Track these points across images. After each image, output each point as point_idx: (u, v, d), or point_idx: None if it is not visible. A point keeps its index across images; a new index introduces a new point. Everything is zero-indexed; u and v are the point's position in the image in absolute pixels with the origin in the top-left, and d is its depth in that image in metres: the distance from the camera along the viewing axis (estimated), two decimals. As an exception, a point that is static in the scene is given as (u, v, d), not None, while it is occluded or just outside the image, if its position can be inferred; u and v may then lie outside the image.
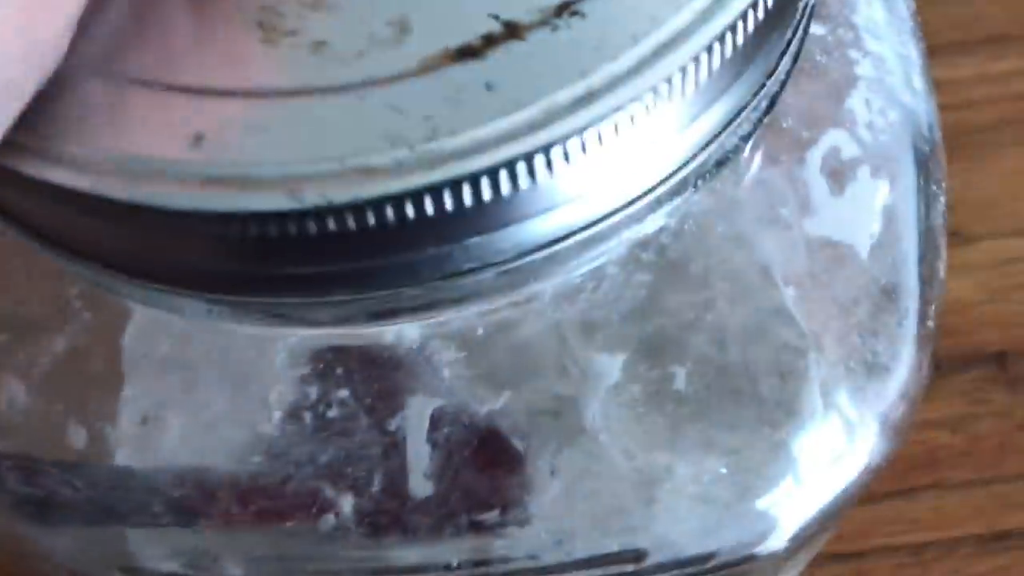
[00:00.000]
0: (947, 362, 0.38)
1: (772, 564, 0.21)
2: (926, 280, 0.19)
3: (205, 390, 0.17)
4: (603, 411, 0.17)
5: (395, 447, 0.17)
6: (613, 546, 0.17)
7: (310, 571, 0.17)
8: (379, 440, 0.17)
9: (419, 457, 0.17)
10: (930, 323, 0.19)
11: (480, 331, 0.17)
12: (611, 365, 0.17)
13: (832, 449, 0.18)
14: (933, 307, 0.19)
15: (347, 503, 0.17)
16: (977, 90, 0.43)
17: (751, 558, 0.19)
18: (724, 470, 0.17)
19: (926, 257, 0.19)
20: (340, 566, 0.17)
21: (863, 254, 0.18)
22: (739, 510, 0.18)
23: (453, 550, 0.17)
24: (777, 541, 0.19)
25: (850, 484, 0.19)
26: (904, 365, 0.19)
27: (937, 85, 0.42)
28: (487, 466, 0.17)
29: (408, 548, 0.17)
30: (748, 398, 0.17)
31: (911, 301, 0.18)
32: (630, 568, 0.18)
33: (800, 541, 0.20)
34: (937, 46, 0.43)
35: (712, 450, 0.17)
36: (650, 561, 0.18)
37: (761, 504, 0.18)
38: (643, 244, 0.17)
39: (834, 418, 0.18)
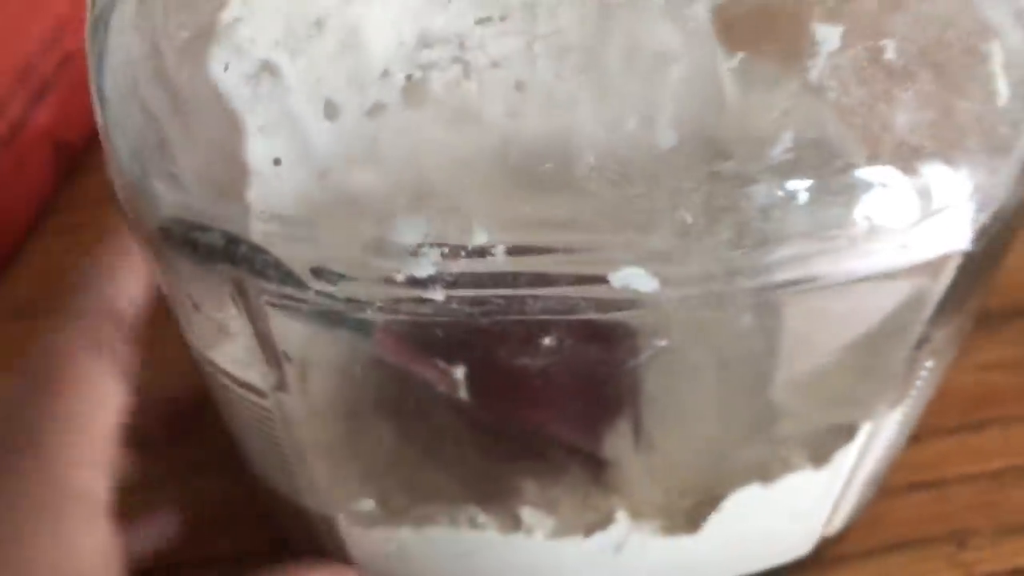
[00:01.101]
0: (996, 315, 0.40)
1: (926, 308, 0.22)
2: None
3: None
4: (826, 71, 0.19)
5: (645, 100, 0.19)
6: (831, 208, 0.19)
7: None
8: (632, 89, 0.18)
9: (663, 108, 0.19)
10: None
11: (718, -3, 0.19)
12: (832, 33, 0.19)
13: (1013, 130, 0.20)
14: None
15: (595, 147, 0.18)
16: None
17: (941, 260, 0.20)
18: (930, 128, 0.19)
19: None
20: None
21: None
22: (940, 180, 0.19)
23: (691, 203, 0.19)
24: (963, 237, 0.20)
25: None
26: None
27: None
28: (721, 115, 0.18)
29: (651, 193, 0.18)
30: (946, 68, 0.19)
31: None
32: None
33: (972, 267, 0.21)
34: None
35: (924, 108, 0.19)
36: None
37: (957, 177, 0.19)
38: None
39: (1016, 103, 0.20)
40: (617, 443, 0.30)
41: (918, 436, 0.38)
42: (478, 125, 0.19)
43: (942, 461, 0.37)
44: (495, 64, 0.19)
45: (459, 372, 0.26)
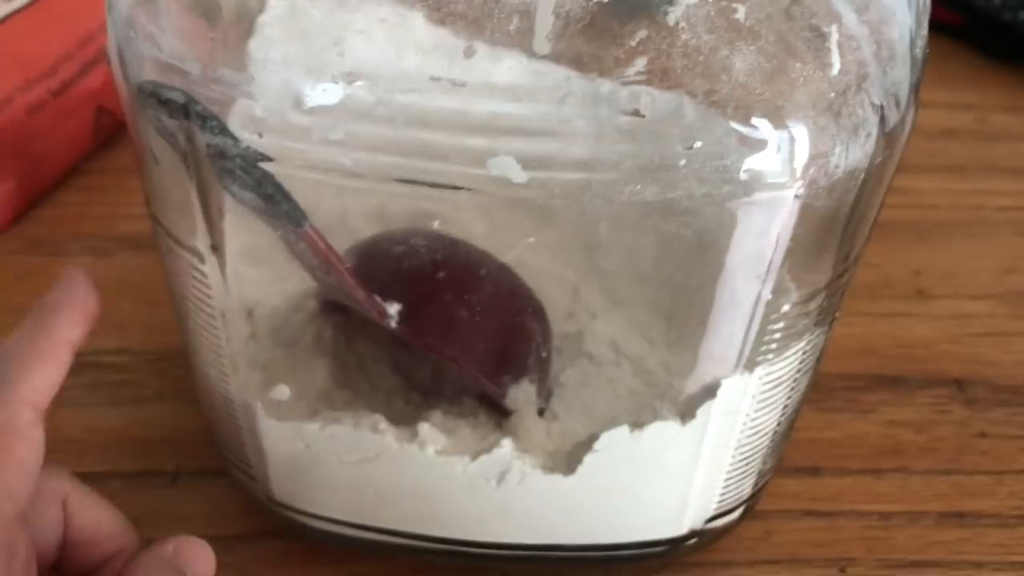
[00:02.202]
0: (913, 380, 0.43)
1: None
2: (915, 22, 0.25)
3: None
4: (683, 17, 0.23)
5: (527, 15, 0.23)
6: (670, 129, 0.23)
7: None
8: (516, 8, 0.23)
9: (544, 23, 0.23)
10: (917, 53, 0.25)
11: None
12: (693, -12, 0.23)
13: (841, 97, 0.24)
14: (921, 47, 0.26)
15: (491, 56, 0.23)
16: (940, 198, 0.51)
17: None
18: (763, 77, 0.23)
19: (918, 9, 0.26)
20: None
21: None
22: (765, 125, 0.23)
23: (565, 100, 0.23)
24: (790, 183, 0.24)
25: (864, 153, 0.24)
26: (899, 70, 0.25)
27: (911, 191, 0.51)
28: (594, 37, 0.23)
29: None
30: (787, 38, 0.24)
31: (906, 28, 0.25)
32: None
33: (809, 221, 0.25)
34: (912, 165, 0.53)
35: (760, 60, 0.23)
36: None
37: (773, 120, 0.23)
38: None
39: (846, 77, 0.24)
40: (523, 400, 0.33)
41: (820, 470, 0.40)
42: (396, 16, 0.23)
43: (838, 496, 0.40)
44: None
45: (380, 292, 0.30)
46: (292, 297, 0.34)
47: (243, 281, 0.30)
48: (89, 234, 0.49)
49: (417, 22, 0.23)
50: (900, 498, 0.39)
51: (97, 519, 0.29)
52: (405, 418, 0.33)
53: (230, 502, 0.38)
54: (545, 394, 0.34)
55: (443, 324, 0.32)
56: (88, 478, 0.39)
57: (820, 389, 0.43)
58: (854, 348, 0.45)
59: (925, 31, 0.26)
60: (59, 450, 0.40)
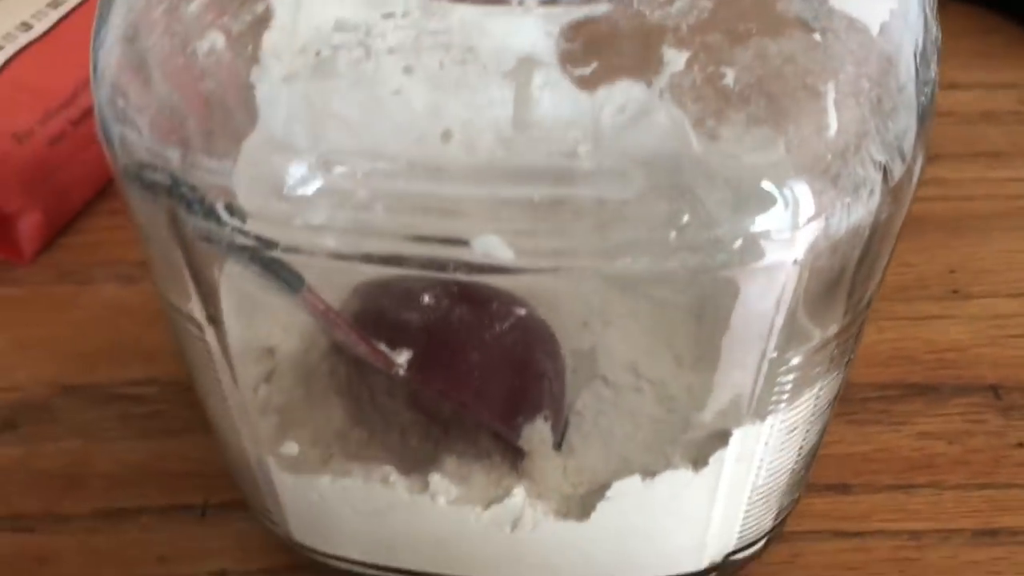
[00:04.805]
0: (947, 387, 0.42)
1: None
2: (920, 68, 0.24)
3: None
4: (667, 87, 0.22)
5: (507, 92, 0.22)
6: (659, 203, 0.22)
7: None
8: (496, 82, 0.22)
9: (523, 101, 0.22)
10: (923, 100, 0.24)
11: (583, 15, 0.22)
12: (678, 57, 0.22)
13: (839, 159, 0.23)
14: (928, 93, 0.24)
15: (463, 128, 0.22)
16: (977, 188, 0.49)
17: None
18: (752, 148, 0.22)
19: (924, 53, 0.24)
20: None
21: (873, 30, 0.24)
22: (758, 192, 0.22)
23: (538, 184, 0.22)
24: (790, 249, 0.23)
25: (845, 219, 0.23)
26: (903, 121, 0.24)
27: (946, 182, 0.49)
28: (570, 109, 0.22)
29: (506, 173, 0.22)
30: (779, 98, 0.23)
31: (909, 76, 0.24)
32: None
33: (812, 285, 0.24)
34: (947, 153, 0.51)
35: (749, 128, 0.22)
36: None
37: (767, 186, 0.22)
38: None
39: (845, 137, 0.23)
40: (537, 439, 0.33)
41: (850, 487, 0.40)
42: (371, 100, 0.23)
43: (868, 515, 0.39)
44: (391, 50, 0.23)
45: (385, 343, 0.30)
46: (306, 336, 0.34)
47: (255, 332, 0.30)
48: (116, 260, 0.49)
49: (394, 105, 0.23)
50: (931, 515, 0.39)
51: None
52: (422, 458, 0.32)
53: (256, 536, 0.39)
54: (561, 428, 0.34)
55: (451, 370, 0.32)
56: (119, 514, 0.40)
57: (851, 401, 0.42)
58: (886, 355, 0.44)
59: (933, 75, 0.25)
60: (90, 486, 0.41)
